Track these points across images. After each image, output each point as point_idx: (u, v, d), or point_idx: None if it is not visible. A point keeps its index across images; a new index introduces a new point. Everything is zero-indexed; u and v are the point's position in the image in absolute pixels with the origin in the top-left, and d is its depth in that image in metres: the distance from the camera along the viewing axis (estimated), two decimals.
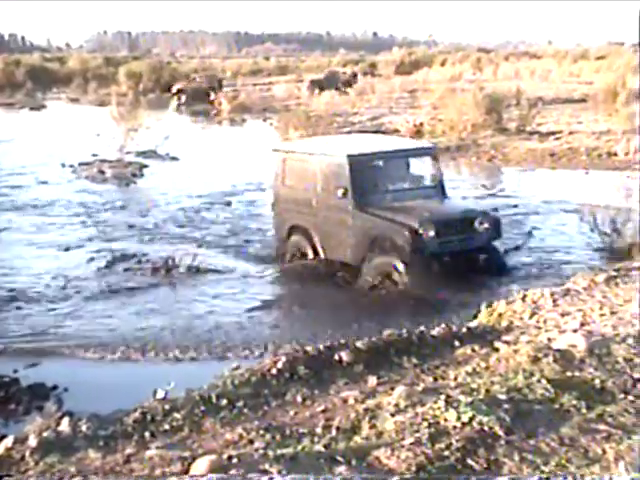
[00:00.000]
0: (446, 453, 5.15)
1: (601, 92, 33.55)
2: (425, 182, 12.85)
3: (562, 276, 10.98)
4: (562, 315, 8.18)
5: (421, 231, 11.27)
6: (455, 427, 5.44)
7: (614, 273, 9.72)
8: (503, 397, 5.84)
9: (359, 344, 7.25)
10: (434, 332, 7.66)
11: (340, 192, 11.91)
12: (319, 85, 46.32)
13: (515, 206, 17.06)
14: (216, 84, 49.63)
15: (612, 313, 8.05)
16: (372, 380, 6.62)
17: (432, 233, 11.28)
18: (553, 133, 26.84)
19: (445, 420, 5.54)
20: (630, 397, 5.79)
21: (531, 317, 8.27)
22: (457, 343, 7.42)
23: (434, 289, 10.88)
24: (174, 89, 49.96)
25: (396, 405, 5.90)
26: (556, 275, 11.50)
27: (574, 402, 5.74)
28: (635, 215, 12.65)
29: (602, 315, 8.02)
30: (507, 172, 22.78)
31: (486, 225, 11.66)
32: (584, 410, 5.65)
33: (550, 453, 5.16)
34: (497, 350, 7.09)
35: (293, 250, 12.97)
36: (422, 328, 7.79)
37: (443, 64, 61.14)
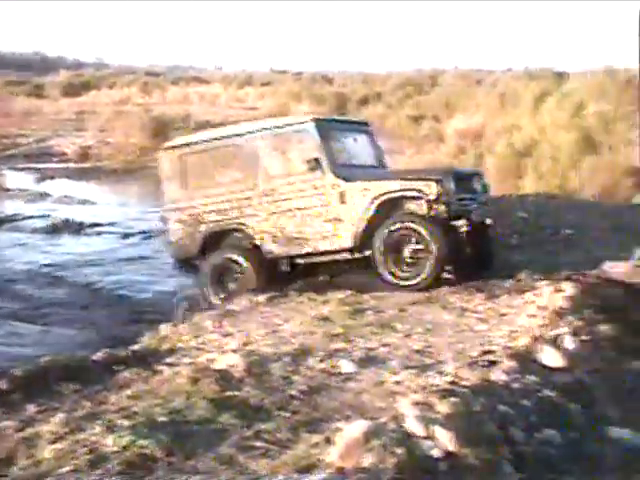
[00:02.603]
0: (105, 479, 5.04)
1: (264, 117, 34.94)
2: (374, 160, 11.87)
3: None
4: (224, 336, 8.37)
5: (444, 184, 10.06)
6: (115, 452, 5.34)
7: (275, 293, 10.15)
8: (164, 419, 5.83)
9: (16, 371, 6.91)
10: (95, 357, 7.51)
11: (309, 165, 10.41)
12: None
13: None
14: None
15: (272, 332, 8.38)
16: (30, 408, 6.34)
17: (452, 186, 10.18)
18: None
19: (104, 445, 5.42)
20: (285, 414, 6.03)
21: (194, 339, 8.39)
22: (120, 367, 7.32)
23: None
24: None
25: (55, 432, 5.69)
26: None
27: (232, 421, 5.86)
28: None
29: (263, 334, 8.31)
30: None
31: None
32: (242, 428, 5.80)
33: (209, 472, 5.23)
34: (159, 373, 7.09)
35: (217, 269, 11.11)
36: (84, 353, 7.61)
37: (112, 87, 60.30)
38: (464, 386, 5.96)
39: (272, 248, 10.83)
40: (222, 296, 10.96)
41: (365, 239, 10.28)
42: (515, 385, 6.27)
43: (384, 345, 7.15)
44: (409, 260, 9.92)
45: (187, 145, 11.51)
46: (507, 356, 6.68)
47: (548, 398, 6.41)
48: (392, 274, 9.89)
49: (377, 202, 10.21)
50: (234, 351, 7.59)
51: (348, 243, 10.40)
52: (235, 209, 11.02)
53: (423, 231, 9.81)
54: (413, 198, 10.15)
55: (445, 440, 5.14)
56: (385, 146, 25.36)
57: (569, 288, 8.71)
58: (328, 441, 5.03)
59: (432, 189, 9.98)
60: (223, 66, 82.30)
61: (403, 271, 9.91)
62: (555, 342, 7.28)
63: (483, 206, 10.78)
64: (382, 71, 56.94)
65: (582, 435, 6.22)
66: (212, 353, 7.65)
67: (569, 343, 7.38)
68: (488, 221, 10.71)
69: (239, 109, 48.06)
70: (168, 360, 7.56)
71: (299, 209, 10.58)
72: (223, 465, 5.31)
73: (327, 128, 10.77)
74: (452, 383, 5.99)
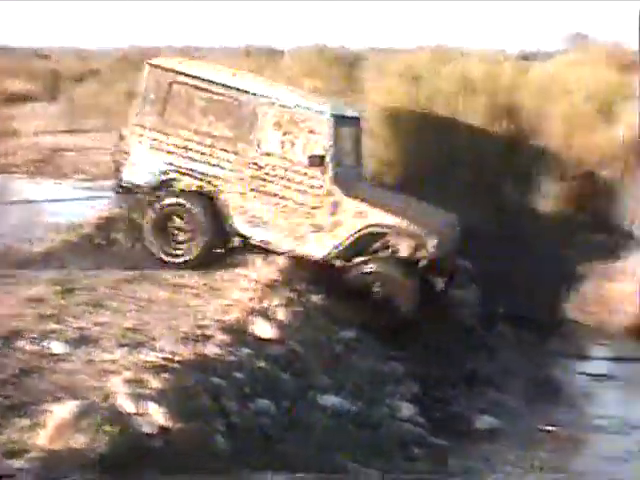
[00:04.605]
0: None
1: None
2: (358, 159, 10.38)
3: None
4: None
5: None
6: None
7: None
8: None
9: None
10: None
11: (312, 160, 9.16)
12: None
13: None
14: None
15: None
16: None
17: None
18: None
19: None
20: None
21: None
22: None
23: None
24: None
25: None
26: None
27: None
28: None
29: None
30: None
31: None
32: None
33: None
34: None
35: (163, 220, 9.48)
36: None
37: None
38: (177, 361, 5.93)
39: (238, 226, 9.50)
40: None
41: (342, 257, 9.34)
42: (229, 358, 6.35)
43: (97, 324, 6.95)
44: None
45: (183, 74, 9.74)
46: (220, 330, 6.75)
47: (261, 369, 6.56)
48: None
49: (367, 231, 9.25)
50: None
51: (320, 253, 9.34)
52: (209, 166, 9.56)
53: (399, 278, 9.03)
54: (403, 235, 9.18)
55: (158, 416, 5.10)
56: (100, 124, 24.80)
57: (281, 261, 8.94)
58: (38, 424, 4.84)
59: (430, 245, 9.10)
60: None
61: None
62: (267, 314, 7.47)
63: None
64: (97, 47, 55.18)
65: (294, 404, 6.44)
66: None
67: (281, 314, 7.60)
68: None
69: None
70: None
71: (283, 198, 9.39)
72: None
73: (339, 124, 9.54)
74: (165, 359, 5.94)
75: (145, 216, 9.74)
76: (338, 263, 9.29)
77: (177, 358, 6.00)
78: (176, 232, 9.54)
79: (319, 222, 9.25)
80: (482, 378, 8.69)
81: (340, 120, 9.50)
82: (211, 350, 6.33)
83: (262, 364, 6.61)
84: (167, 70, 9.72)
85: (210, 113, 9.54)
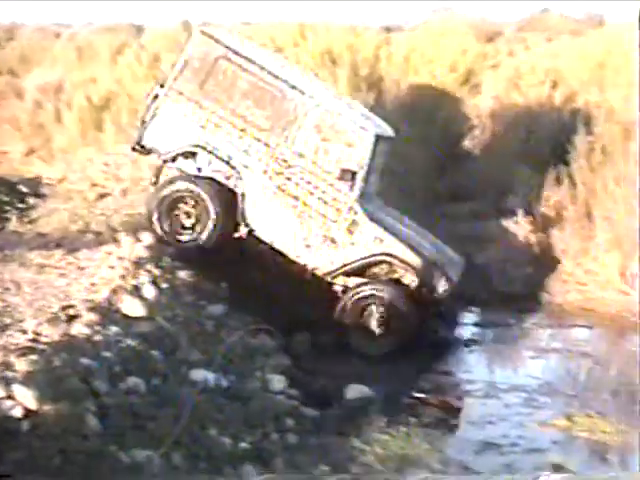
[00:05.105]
0: None
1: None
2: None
3: None
4: None
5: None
6: None
7: None
8: None
9: None
10: None
11: (342, 174, 8.90)
12: None
13: None
14: None
15: None
16: None
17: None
18: None
19: None
20: None
21: None
22: None
23: None
24: None
25: None
26: None
27: None
28: None
29: None
30: None
31: None
32: None
33: None
34: None
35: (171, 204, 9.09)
36: None
37: None
38: (45, 343, 5.83)
39: (248, 217, 9.21)
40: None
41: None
42: (97, 337, 6.27)
43: None
44: None
45: (234, 52, 9.27)
46: (87, 309, 6.64)
47: (131, 347, 6.51)
48: None
49: (381, 258, 9.16)
50: None
51: (326, 268, 9.21)
52: (237, 151, 9.20)
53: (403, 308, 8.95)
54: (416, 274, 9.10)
55: (25, 399, 5.02)
56: None
57: (147, 238, 8.85)
58: None
59: (440, 289, 9.14)
60: None
61: None
62: (135, 292, 7.40)
63: None
64: None
65: (165, 381, 6.43)
66: None
67: (149, 292, 7.54)
68: None
69: None
70: None
71: (304, 204, 9.12)
72: None
73: (378, 144, 9.28)
74: (32, 341, 5.83)
75: (154, 194, 9.39)
76: (339, 283, 9.24)
77: (44, 340, 5.89)
78: (183, 216, 9.24)
79: (334, 236, 9.11)
80: (352, 348, 8.86)
81: (379, 139, 9.28)
82: (79, 330, 6.24)
83: (131, 342, 6.56)
84: (219, 42, 9.28)
85: (251, 97, 9.18)
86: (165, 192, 9.22)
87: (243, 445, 5.93)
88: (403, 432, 6.60)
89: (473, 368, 9.14)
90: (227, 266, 9.19)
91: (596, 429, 7.08)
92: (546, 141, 13.30)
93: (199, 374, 6.77)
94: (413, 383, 8.07)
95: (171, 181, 9.36)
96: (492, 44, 19.82)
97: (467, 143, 14.08)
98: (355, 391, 7.59)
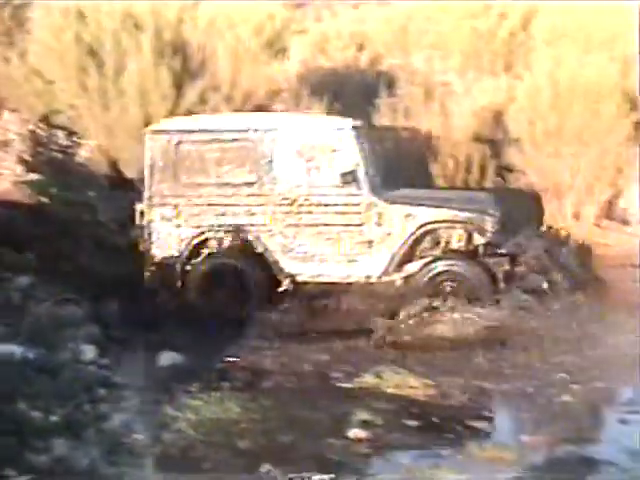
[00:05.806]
0: None
1: None
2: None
3: None
4: None
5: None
6: None
7: None
8: None
9: None
10: None
11: (343, 178, 8.83)
12: None
13: None
14: None
15: None
16: None
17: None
18: None
19: None
20: None
21: None
22: None
23: None
24: None
25: None
26: None
27: None
28: None
29: None
30: None
31: None
32: None
33: None
34: None
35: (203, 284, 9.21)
36: None
37: None
38: None
39: (284, 266, 9.26)
40: None
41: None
42: None
43: None
44: None
45: (187, 132, 9.27)
46: None
47: None
48: None
49: (421, 231, 9.05)
50: None
51: (377, 271, 9.09)
52: (240, 216, 9.24)
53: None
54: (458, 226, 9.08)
55: None
56: None
57: None
58: None
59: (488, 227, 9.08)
60: None
61: None
62: None
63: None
64: None
65: None
66: None
67: None
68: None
69: None
70: None
71: (325, 225, 9.04)
72: None
73: (361, 135, 9.33)
74: None
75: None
76: (398, 280, 9.14)
77: None
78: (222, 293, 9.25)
79: (368, 238, 9.04)
80: (163, 316, 8.86)
81: (361, 130, 9.39)
82: None
83: None
84: (169, 132, 9.27)
85: (225, 162, 9.18)
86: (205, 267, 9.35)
87: (54, 418, 5.83)
88: (217, 397, 6.67)
89: None
90: (34, 237, 8.96)
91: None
92: (352, 102, 13.63)
93: (5, 347, 6.60)
94: (229, 348, 8.16)
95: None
96: (300, 10, 19.99)
97: (276, 107, 14.24)
98: (167, 358, 7.63)
